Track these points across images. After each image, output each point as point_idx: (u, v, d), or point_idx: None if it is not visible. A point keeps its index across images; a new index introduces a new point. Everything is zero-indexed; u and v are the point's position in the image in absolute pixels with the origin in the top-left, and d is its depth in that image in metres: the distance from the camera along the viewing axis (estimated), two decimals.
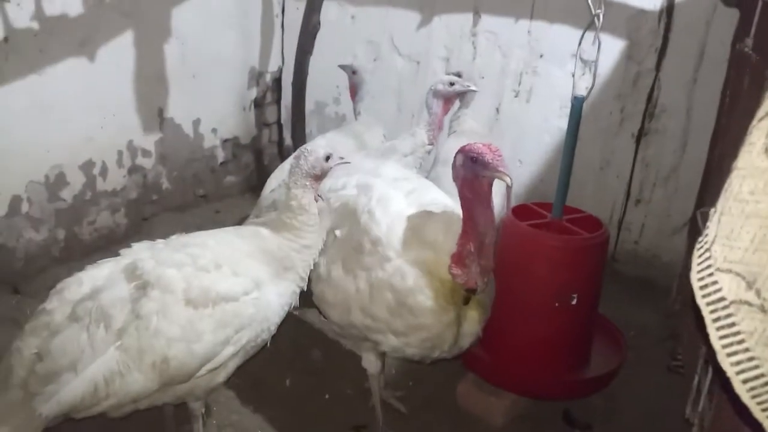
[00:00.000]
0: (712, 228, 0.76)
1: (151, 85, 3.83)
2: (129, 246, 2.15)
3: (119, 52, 3.57)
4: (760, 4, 2.03)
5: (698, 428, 1.80)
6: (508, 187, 1.93)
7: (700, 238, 0.78)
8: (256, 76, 4.62)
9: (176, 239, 2.19)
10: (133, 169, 3.86)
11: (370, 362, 2.46)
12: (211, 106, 4.31)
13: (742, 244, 0.73)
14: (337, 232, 2.35)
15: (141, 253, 2.08)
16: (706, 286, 0.76)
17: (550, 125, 4.00)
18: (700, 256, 0.78)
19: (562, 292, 2.45)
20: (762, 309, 0.71)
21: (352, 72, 3.68)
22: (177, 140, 4.11)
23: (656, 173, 3.79)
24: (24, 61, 3.11)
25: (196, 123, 4.23)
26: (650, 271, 3.82)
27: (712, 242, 0.76)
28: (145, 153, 3.91)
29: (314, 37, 4.04)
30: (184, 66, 4.00)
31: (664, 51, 3.62)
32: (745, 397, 0.73)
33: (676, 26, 3.56)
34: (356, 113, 3.68)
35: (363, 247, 2.23)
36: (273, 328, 2.20)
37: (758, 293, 0.72)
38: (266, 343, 2.23)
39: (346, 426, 2.59)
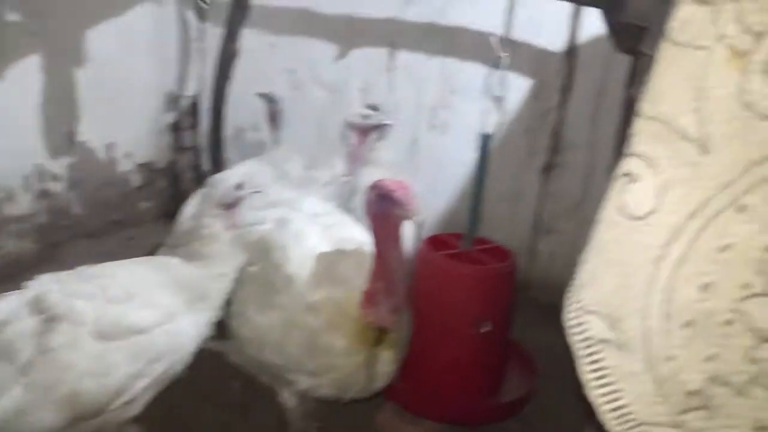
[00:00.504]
0: (579, 274, 0.85)
1: (61, 108, 3.71)
2: (33, 278, 2.07)
3: (27, 73, 3.45)
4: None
5: None
6: (418, 225, 1.97)
7: (572, 282, 0.87)
8: (173, 101, 4.56)
9: (84, 270, 2.14)
10: (42, 194, 3.71)
11: (287, 398, 2.46)
12: (126, 130, 4.21)
13: (605, 288, 0.82)
14: (251, 269, 2.35)
15: (47, 285, 2.01)
16: (577, 325, 0.85)
17: (465, 158, 4.14)
18: (571, 297, 0.86)
19: (474, 320, 2.55)
20: (622, 347, 0.80)
21: (270, 100, 3.69)
22: (89, 164, 3.99)
23: (564, 205, 4.01)
24: None
25: (110, 147, 4.12)
26: (561, 297, 3.99)
27: (581, 286, 0.85)
28: (55, 177, 3.77)
29: (232, 64, 4.04)
30: (98, 89, 3.89)
31: (568, 89, 3.86)
32: (610, 424, 0.81)
33: (579, 66, 3.81)
34: (275, 141, 3.70)
35: (276, 285, 2.23)
36: (187, 358, 2.18)
37: (619, 332, 0.81)
38: (179, 374, 2.19)
39: None
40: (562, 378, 3.13)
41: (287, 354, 2.18)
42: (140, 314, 2.01)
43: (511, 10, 2.54)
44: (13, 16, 3.31)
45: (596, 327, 0.82)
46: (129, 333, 1.97)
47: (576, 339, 0.85)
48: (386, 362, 2.19)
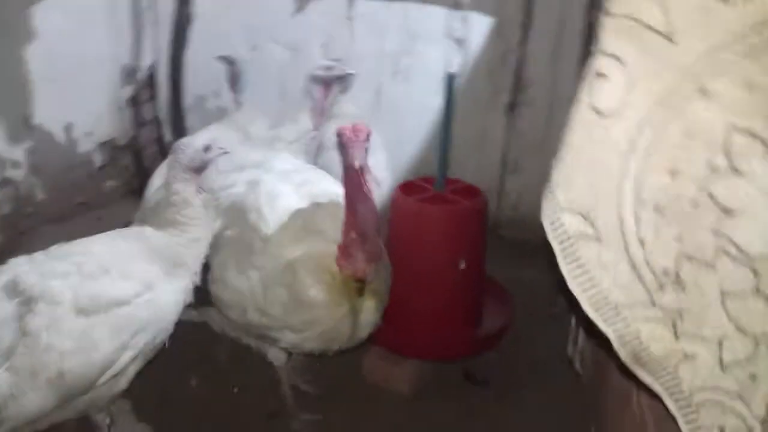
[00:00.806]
0: (554, 175, 0.88)
1: (13, 91, 3.59)
2: (4, 262, 2.04)
3: None
4: None
5: (579, 363, 1.99)
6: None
7: (547, 185, 0.89)
8: (129, 74, 4.43)
9: (56, 249, 2.10)
10: (3, 183, 3.62)
11: (276, 356, 2.49)
12: (84, 108, 4.10)
13: (577, 186, 0.85)
14: (227, 233, 2.34)
15: (20, 267, 1.98)
16: (554, 224, 0.88)
17: (430, 103, 4.14)
18: (547, 200, 0.89)
19: (449, 258, 2.59)
20: (596, 239, 0.83)
21: (229, 63, 3.64)
22: (49, 148, 3.88)
23: (528, 143, 4.04)
24: None
25: (69, 128, 4.02)
26: (529, 234, 4.03)
27: (556, 187, 0.87)
28: (15, 164, 3.67)
29: (187, 29, 3.95)
30: (50, 68, 3.76)
31: (529, 26, 3.85)
32: (590, 312, 0.85)
33: (538, 2, 3.80)
34: (237, 104, 3.65)
35: (253, 247, 2.23)
36: (170, 327, 2.17)
37: (592, 225, 0.85)
38: (164, 344, 2.19)
39: (260, 415, 2.61)
40: (533, 309, 3.27)
41: (270, 313, 2.20)
42: (119, 286, 1.99)
43: None
44: None
45: (572, 223, 0.86)
46: (109, 306, 1.95)
47: (553, 236, 0.88)
48: (369, 312, 2.20)
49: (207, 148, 2.21)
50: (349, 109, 3.49)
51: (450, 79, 2.63)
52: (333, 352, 2.33)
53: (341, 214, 2.11)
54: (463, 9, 2.56)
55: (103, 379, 1.97)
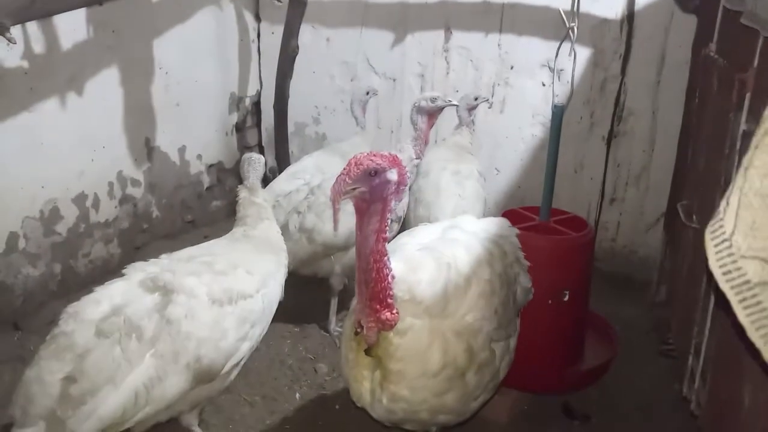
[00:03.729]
0: (728, 221, 0.87)
1: (137, 116, 3.90)
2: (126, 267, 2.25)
3: (106, 86, 3.64)
4: (720, 10, 2.22)
5: (695, 404, 1.95)
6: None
7: (713, 231, 0.89)
8: (236, 101, 4.72)
9: (177, 254, 2.35)
10: (124, 200, 3.91)
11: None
12: (195, 132, 4.39)
13: (766, 233, 0.85)
14: None
15: (148, 268, 2.20)
16: (729, 272, 0.88)
17: (524, 133, 4.19)
18: (717, 245, 0.89)
19: (554, 290, 2.60)
20: None
21: (371, 93, 3.87)
22: (164, 168, 4.18)
23: (628, 173, 3.99)
24: (15, 100, 3.17)
25: (182, 150, 4.31)
26: (628, 267, 4.01)
27: (732, 233, 0.88)
28: (135, 183, 3.97)
29: (293, 61, 4.17)
30: (167, 95, 4.08)
31: (627, 57, 3.84)
32: None
33: (637, 33, 3.78)
34: (363, 126, 3.86)
35: None
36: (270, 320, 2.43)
37: None
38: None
39: None
40: (633, 345, 3.19)
41: None
42: (246, 281, 2.24)
43: None
44: (91, 33, 3.49)
45: (755, 271, 0.85)
46: (237, 299, 2.18)
47: (729, 285, 0.88)
48: (377, 385, 1.92)
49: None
50: (455, 139, 3.55)
51: (557, 111, 2.65)
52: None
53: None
54: (571, 41, 2.58)
55: (226, 368, 2.16)
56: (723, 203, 0.89)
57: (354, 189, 1.63)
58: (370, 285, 1.74)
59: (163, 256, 2.33)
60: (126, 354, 1.93)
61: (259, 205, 2.66)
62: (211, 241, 2.55)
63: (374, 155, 1.68)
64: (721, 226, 0.88)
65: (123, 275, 2.19)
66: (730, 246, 0.87)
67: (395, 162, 1.71)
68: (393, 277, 1.78)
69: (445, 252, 2.04)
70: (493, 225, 2.42)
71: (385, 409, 1.93)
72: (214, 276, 2.16)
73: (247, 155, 2.77)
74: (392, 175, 1.68)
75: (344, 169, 1.64)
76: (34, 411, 1.90)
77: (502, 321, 2.05)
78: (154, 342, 1.98)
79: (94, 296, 2.09)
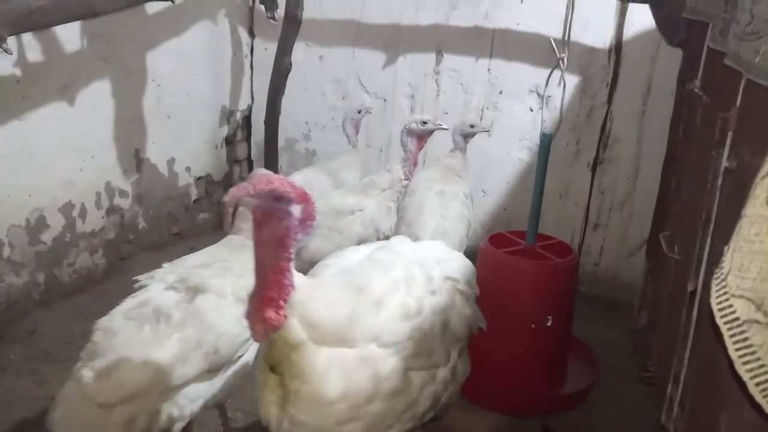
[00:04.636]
0: (726, 262, 0.93)
1: (128, 127, 3.91)
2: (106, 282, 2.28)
3: (98, 96, 3.65)
4: (705, 49, 2.29)
5: None
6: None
7: (717, 271, 0.96)
8: (227, 115, 4.74)
9: (183, 262, 2.36)
10: (111, 210, 3.90)
11: None
12: (185, 145, 4.40)
13: (751, 275, 0.91)
14: None
15: (168, 276, 2.23)
16: (723, 308, 0.94)
17: (512, 157, 4.25)
18: (717, 284, 0.94)
19: (537, 314, 2.63)
20: (766, 325, 0.89)
21: (365, 112, 3.92)
22: (153, 180, 4.18)
23: (612, 199, 4.07)
24: (6, 107, 3.16)
25: (171, 162, 4.31)
26: (611, 291, 4.07)
27: (727, 274, 0.93)
28: (123, 193, 3.96)
29: (286, 77, 4.20)
30: (159, 107, 4.09)
31: (614, 85, 3.93)
32: (758, 398, 0.90)
33: (624, 62, 3.87)
34: (354, 145, 3.89)
35: None
36: None
37: (765, 314, 0.91)
38: None
39: None
40: (614, 369, 3.23)
41: None
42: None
43: (570, 13, 2.61)
44: (85, 44, 3.51)
45: (743, 309, 0.90)
46: None
47: (723, 320, 0.93)
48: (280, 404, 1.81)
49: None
50: (445, 161, 3.57)
51: (546, 139, 2.71)
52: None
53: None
54: (561, 69, 2.64)
55: (233, 368, 2.25)
56: (726, 246, 0.95)
57: (252, 201, 1.63)
58: (266, 287, 1.69)
59: (166, 265, 2.35)
60: (155, 332, 2.01)
61: None
62: (209, 249, 2.51)
63: (288, 183, 1.65)
64: (722, 267, 0.93)
65: (142, 287, 2.22)
66: (726, 285, 0.92)
67: (305, 199, 1.68)
68: (293, 287, 1.72)
69: (361, 274, 1.98)
70: (429, 249, 2.33)
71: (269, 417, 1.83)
72: (236, 278, 2.22)
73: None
74: (294, 210, 1.65)
75: (254, 179, 1.63)
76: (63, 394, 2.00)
77: (422, 349, 1.92)
78: (180, 327, 2.05)
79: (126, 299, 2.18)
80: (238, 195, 1.60)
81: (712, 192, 1.83)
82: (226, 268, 2.27)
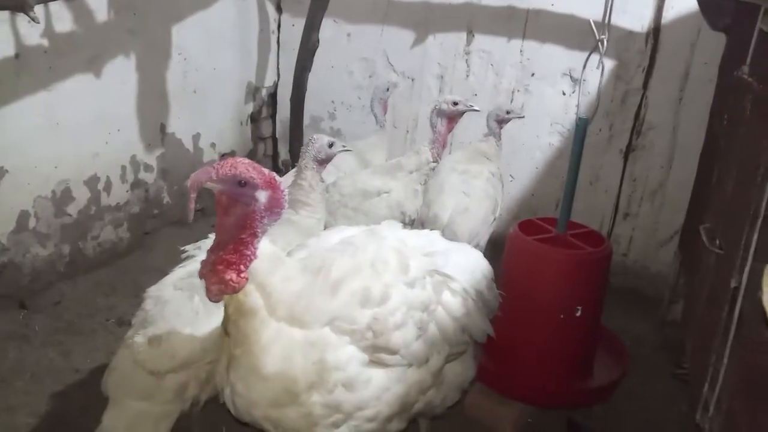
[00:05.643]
0: None
1: (154, 101, 3.88)
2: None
3: (125, 69, 3.62)
4: (756, 32, 2.18)
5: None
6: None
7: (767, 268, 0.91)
8: (252, 91, 4.69)
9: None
10: (136, 184, 3.89)
11: None
12: (210, 120, 4.37)
13: None
14: None
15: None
16: None
17: (542, 142, 4.16)
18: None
19: (567, 305, 2.57)
20: None
21: (394, 86, 3.91)
22: (178, 155, 4.16)
23: (643, 188, 3.96)
24: (35, 78, 3.14)
25: (196, 138, 4.28)
26: (639, 282, 3.98)
27: None
28: (148, 168, 3.94)
29: (313, 55, 4.14)
30: (185, 82, 4.06)
31: (651, 71, 3.80)
32: None
33: (662, 47, 3.74)
34: (382, 125, 3.85)
35: None
36: None
37: None
38: None
39: None
40: (643, 362, 3.17)
41: None
42: None
43: None
44: (113, 15, 3.46)
45: None
46: None
47: None
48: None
49: (331, 144, 2.62)
50: (476, 146, 3.49)
51: (582, 124, 2.62)
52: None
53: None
54: (601, 53, 2.54)
55: None
56: None
57: (215, 186, 1.58)
58: (226, 252, 1.62)
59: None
60: (204, 304, 1.98)
61: (317, 195, 2.63)
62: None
63: (255, 168, 1.60)
64: None
65: (189, 257, 2.23)
66: None
67: (272, 186, 1.62)
68: (255, 256, 1.66)
69: (324, 255, 1.88)
70: (422, 239, 2.18)
71: (233, 404, 1.78)
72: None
73: (312, 136, 2.67)
74: (260, 196, 1.60)
75: (218, 163, 1.59)
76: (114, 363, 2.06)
77: (386, 342, 1.79)
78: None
79: (166, 278, 2.19)
80: (201, 179, 1.56)
81: (762, 185, 1.75)
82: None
